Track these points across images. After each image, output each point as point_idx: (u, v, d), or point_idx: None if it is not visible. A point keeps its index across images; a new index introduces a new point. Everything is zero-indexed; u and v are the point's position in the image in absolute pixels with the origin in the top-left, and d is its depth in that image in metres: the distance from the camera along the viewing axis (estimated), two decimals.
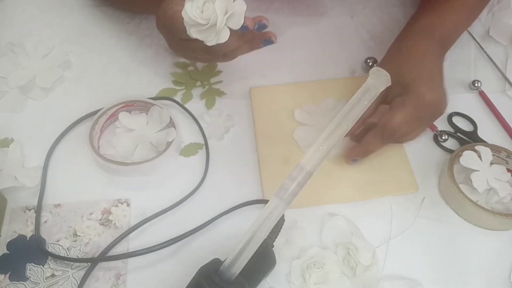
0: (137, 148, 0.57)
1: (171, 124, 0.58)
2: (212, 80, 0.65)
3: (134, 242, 0.51)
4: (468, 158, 0.54)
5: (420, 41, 0.54)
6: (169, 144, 0.56)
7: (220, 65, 0.66)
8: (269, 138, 0.59)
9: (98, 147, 0.57)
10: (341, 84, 0.64)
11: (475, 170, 0.54)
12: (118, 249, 0.51)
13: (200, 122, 0.60)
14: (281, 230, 0.49)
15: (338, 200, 0.55)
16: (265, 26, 0.49)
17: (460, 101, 0.64)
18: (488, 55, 0.68)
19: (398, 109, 0.51)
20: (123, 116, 0.59)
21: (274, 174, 0.55)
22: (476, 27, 0.71)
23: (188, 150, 0.58)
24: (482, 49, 0.69)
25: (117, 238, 0.51)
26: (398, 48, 0.56)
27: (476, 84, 0.64)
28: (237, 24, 0.47)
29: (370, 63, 0.66)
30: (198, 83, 0.64)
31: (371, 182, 0.56)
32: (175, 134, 0.56)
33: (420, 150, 0.59)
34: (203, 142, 0.59)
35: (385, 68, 0.47)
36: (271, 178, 0.55)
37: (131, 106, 0.60)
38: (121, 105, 0.59)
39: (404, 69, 0.52)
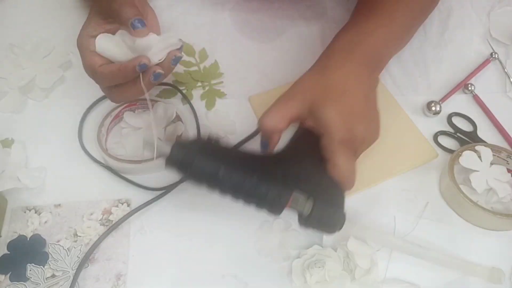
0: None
1: (178, 118, 0.58)
2: (213, 81, 0.65)
3: (135, 240, 0.51)
4: (467, 158, 0.54)
5: (342, 66, 0.48)
6: (179, 138, 0.56)
7: (222, 66, 0.66)
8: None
9: (106, 149, 0.57)
10: None
11: (475, 171, 0.54)
12: (119, 250, 0.51)
13: (200, 122, 0.60)
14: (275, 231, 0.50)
15: (361, 186, 0.55)
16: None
17: (459, 101, 0.64)
18: (492, 55, 0.68)
19: (335, 154, 0.45)
20: (128, 116, 0.59)
21: None
22: (477, 27, 0.71)
23: None
24: (492, 48, 0.69)
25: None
26: (316, 76, 0.49)
27: (470, 88, 0.64)
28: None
29: None
30: (199, 84, 0.64)
31: (389, 160, 0.57)
32: (184, 127, 0.56)
33: None
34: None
35: (302, 101, 0.46)
36: None
37: (134, 105, 0.60)
38: (124, 105, 0.59)
39: (322, 104, 0.46)
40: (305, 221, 0.43)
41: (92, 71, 0.48)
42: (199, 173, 0.42)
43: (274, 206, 0.42)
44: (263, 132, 0.48)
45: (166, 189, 0.54)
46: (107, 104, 0.59)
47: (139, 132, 0.58)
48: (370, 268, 0.49)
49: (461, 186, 0.53)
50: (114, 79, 0.48)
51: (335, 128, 0.45)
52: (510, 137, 0.60)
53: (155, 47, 0.46)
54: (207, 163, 0.42)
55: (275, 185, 0.42)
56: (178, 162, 0.43)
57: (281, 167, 0.44)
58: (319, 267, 0.49)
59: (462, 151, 0.55)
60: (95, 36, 0.48)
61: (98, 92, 0.62)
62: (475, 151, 0.55)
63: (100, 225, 0.52)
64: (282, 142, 0.49)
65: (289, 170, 0.44)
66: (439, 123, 0.62)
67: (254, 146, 0.58)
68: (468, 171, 0.54)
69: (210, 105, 0.62)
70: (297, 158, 0.46)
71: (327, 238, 0.52)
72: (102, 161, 0.57)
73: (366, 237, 0.48)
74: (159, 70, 0.46)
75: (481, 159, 0.55)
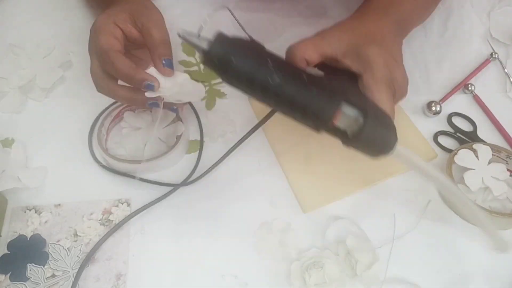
0: (146, 146, 0.57)
1: (178, 118, 0.58)
2: (213, 81, 0.65)
3: (135, 240, 0.51)
4: (463, 156, 0.54)
5: (378, 20, 0.51)
6: (179, 137, 0.56)
7: None
8: (284, 141, 0.59)
9: (106, 149, 0.57)
10: None
11: (470, 169, 0.54)
12: (119, 250, 0.51)
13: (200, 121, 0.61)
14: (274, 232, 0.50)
15: (361, 186, 0.55)
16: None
17: (459, 101, 0.64)
18: (492, 55, 0.68)
19: (378, 91, 0.46)
20: (128, 116, 0.59)
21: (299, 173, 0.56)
22: (477, 27, 0.71)
23: (191, 147, 0.59)
24: (492, 48, 0.69)
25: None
26: (354, 23, 0.51)
27: (470, 88, 0.64)
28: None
29: None
30: None
31: (389, 160, 0.56)
32: (184, 128, 0.56)
33: None
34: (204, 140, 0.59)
35: (339, 39, 0.47)
36: (298, 179, 0.56)
37: None
38: (124, 105, 0.59)
39: (365, 44, 0.47)
40: (355, 138, 0.38)
41: (105, 52, 0.47)
42: (243, 67, 0.36)
43: (321, 114, 0.37)
44: (288, 60, 0.46)
45: (174, 187, 0.54)
46: (104, 104, 0.59)
47: (139, 132, 0.58)
48: (372, 263, 0.49)
49: (459, 185, 0.53)
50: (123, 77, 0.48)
51: (378, 66, 0.46)
52: (510, 137, 0.60)
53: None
54: (252, 57, 0.37)
55: (325, 91, 0.37)
56: (219, 56, 0.37)
57: (328, 76, 0.40)
58: (318, 268, 0.48)
59: (458, 150, 0.55)
60: (119, 28, 0.49)
61: (97, 93, 0.62)
62: (473, 149, 0.55)
63: (100, 225, 0.52)
64: None
65: (337, 80, 0.40)
66: (439, 123, 0.62)
67: (254, 144, 0.58)
68: (465, 169, 0.54)
69: (210, 105, 0.62)
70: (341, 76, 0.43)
71: (329, 235, 0.52)
72: (102, 161, 0.57)
73: (410, 166, 0.46)
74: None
75: (478, 158, 0.55)
